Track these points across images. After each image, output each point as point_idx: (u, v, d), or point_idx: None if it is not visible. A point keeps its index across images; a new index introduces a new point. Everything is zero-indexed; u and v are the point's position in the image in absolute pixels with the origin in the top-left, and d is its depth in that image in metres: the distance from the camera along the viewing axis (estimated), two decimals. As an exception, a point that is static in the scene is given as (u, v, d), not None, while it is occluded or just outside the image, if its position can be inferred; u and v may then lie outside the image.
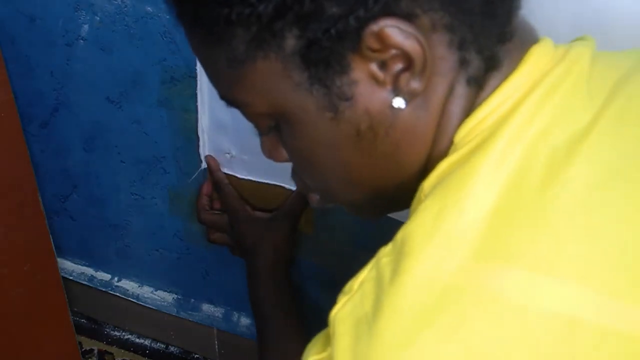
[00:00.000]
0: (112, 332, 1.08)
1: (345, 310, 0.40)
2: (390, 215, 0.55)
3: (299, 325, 0.74)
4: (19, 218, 0.87)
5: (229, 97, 0.47)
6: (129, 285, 1.01)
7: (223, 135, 0.77)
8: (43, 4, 0.78)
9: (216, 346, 1.00)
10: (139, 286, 1.01)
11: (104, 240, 0.98)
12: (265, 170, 0.77)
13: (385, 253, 0.40)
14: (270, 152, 0.52)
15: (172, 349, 1.06)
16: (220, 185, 0.80)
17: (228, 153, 0.79)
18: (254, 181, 0.79)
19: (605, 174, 0.38)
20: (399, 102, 0.42)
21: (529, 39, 0.44)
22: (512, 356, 0.34)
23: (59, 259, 0.96)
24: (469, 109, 0.43)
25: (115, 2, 0.74)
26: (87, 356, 1.07)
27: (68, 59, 0.81)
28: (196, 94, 0.76)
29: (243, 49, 0.42)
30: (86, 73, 0.81)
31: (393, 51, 0.40)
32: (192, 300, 0.98)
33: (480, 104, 0.43)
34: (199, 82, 0.74)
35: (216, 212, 0.83)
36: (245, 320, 0.96)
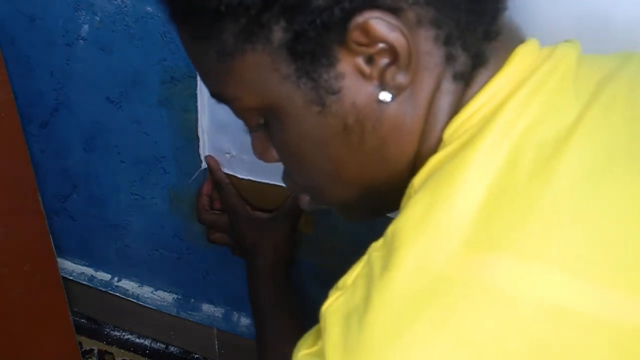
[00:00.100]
0: (112, 332, 1.08)
1: (337, 305, 0.41)
2: (389, 215, 0.55)
3: (298, 325, 0.74)
4: (19, 218, 0.87)
5: (218, 92, 0.47)
6: (129, 285, 1.01)
7: (223, 135, 0.77)
8: (43, 4, 0.78)
9: (216, 346, 1.00)
10: (139, 286, 1.01)
11: (104, 240, 0.98)
12: (265, 170, 0.77)
13: (376, 248, 0.41)
14: (260, 153, 0.52)
15: (172, 349, 1.06)
16: (221, 185, 0.80)
17: (228, 153, 0.79)
18: (254, 181, 0.79)
19: (591, 168, 0.38)
20: (385, 96, 0.43)
21: (516, 39, 0.45)
22: (503, 345, 0.35)
23: (59, 259, 0.96)
24: (456, 106, 0.44)
25: (115, 2, 0.74)
26: (87, 356, 1.07)
27: (68, 59, 0.81)
28: (196, 94, 0.76)
29: (232, 42, 0.43)
30: (86, 73, 0.81)
31: (379, 45, 0.41)
32: (192, 300, 0.98)
33: (468, 100, 0.43)
34: (199, 82, 0.74)
35: (216, 212, 0.83)
36: (245, 320, 0.96)
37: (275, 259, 0.76)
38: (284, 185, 0.77)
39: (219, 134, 0.78)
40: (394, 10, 0.41)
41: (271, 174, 0.77)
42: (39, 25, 0.79)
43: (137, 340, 1.07)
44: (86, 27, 0.77)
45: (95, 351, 1.08)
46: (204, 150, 0.80)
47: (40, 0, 0.78)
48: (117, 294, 1.01)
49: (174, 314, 0.99)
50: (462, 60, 0.43)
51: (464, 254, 0.37)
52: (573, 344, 0.34)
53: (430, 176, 0.41)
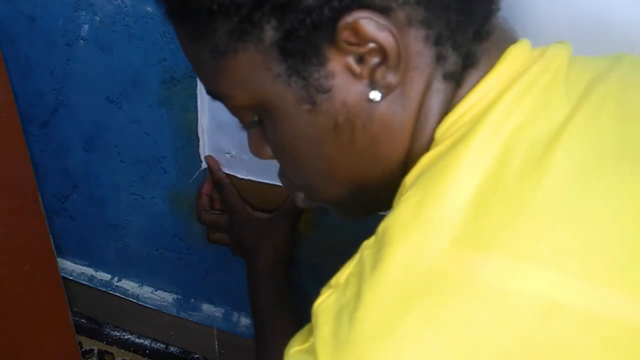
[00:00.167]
0: (112, 332, 1.08)
1: (329, 302, 0.41)
2: (384, 214, 0.55)
3: (298, 325, 0.73)
4: (19, 218, 0.87)
5: (213, 89, 0.48)
6: (129, 285, 1.01)
7: (223, 135, 0.77)
8: (43, 4, 0.78)
9: (216, 346, 1.00)
10: (139, 286, 1.01)
11: (104, 240, 0.98)
12: (265, 170, 0.77)
13: (367, 246, 0.41)
14: (256, 150, 0.53)
15: (172, 349, 1.06)
16: (221, 185, 0.80)
17: (228, 153, 0.79)
18: (254, 181, 0.79)
19: (582, 167, 0.38)
20: (374, 95, 0.43)
21: (508, 39, 0.45)
22: (494, 340, 0.35)
23: (59, 259, 0.96)
24: (447, 105, 0.44)
25: (115, 2, 0.74)
26: (87, 356, 1.07)
27: (68, 59, 0.81)
28: (196, 94, 0.76)
29: (225, 40, 0.43)
30: (86, 73, 0.81)
31: (369, 45, 0.41)
32: (192, 300, 0.98)
33: (459, 100, 0.44)
34: (199, 82, 0.74)
35: (216, 212, 0.83)
36: (245, 320, 0.96)
37: (275, 259, 0.76)
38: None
39: (219, 134, 0.78)
40: (384, 10, 0.41)
41: (271, 174, 0.77)
42: (39, 25, 0.79)
43: (137, 340, 1.07)
44: (86, 27, 0.77)
45: (95, 351, 1.08)
46: (204, 150, 0.80)
47: (40, 0, 0.78)
48: (117, 294, 1.01)
49: (174, 314, 0.99)
50: (453, 60, 0.44)
51: (454, 251, 0.37)
52: (564, 340, 0.35)
53: (421, 174, 0.42)
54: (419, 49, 0.43)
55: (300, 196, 0.54)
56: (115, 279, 1.01)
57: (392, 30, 0.41)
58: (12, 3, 0.79)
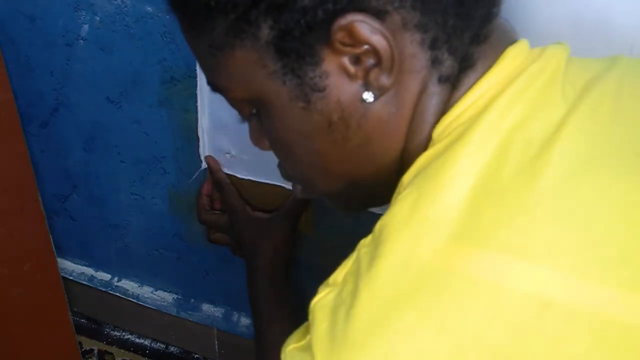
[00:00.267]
0: (112, 332, 1.08)
1: (326, 300, 0.41)
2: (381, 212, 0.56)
3: (298, 325, 0.74)
4: (19, 218, 0.87)
5: (213, 82, 0.49)
6: (129, 285, 1.01)
7: (223, 135, 0.77)
8: (43, 4, 0.78)
9: (216, 346, 1.00)
10: (139, 286, 1.01)
11: (104, 240, 0.98)
12: (265, 170, 0.77)
13: (364, 244, 0.42)
14: (256, 141, 0.54)
15: (172, 349, 1.06)
16: (221, 185, 0.80)
17: (228, 153, 0.79)
18: (254, 181, 0.79)
19: (577, 165, 0.39)
20: (368, 96, 0.44)
21: (507, 40, 0.46)
22: (487, 336, 0.35)
23: (59, 259, 0.96)
24: (443, 107, 0.45)
25: (115, 2, 0.74)
26: (87, 356, 1.07)
27: (68, 59, 0.81)
28: (196, 94, 0.76)
29: (222, 36, 0.44)
30: (86, 73, 0.81)
31: (365, 47, 0.42)
32: (192, 300, 0.98)
33: (456, 100, 0.44)
34: (199, 82, 0.74)
35: (216, 212, 0.83)
36: (245, 320, 0.96)
37: (275, 259, 0.76)
38: (284, 185, 0.78)
39: (219, 134, 0.78)
40: (379, 14, 0.41)
41: (271, 174, 0.77)
42: (39, 25, 0.79)
43: (137, 340, 1.07)
44: (86, 27, 0.77)
45: (95, 351, 1.08)
46: (204, 150, 0.80)
47: (40, 0, 0.78)
48: (117, 294, 1.01)
49: (174, 314, 0.99)
50: (449, 63, 0.44)
51: (450, 247, 0.37)
52: (556, 336, 0.35)
53: (418, 173, 0.42)
54: (414, 52, 0.43)
55: (298, 188, 0.55)
56: (115, 279, 1.01)
57: (385, 34, 0.41)
58: (12, 3, 0.79)
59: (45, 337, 0.97)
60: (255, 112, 0.49)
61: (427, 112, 0.45)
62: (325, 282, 0.43)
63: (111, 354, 1.07)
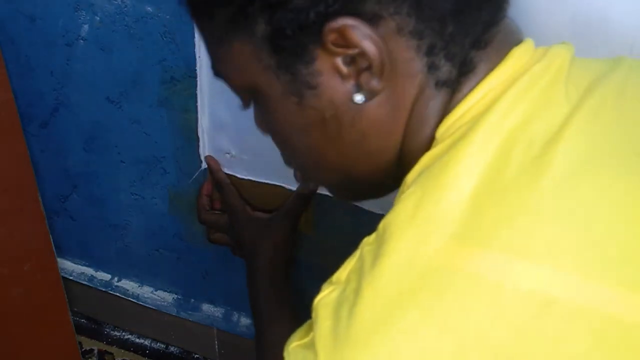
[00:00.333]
0: (112, 332, 1.08)
1: (329, 298, 0.41)
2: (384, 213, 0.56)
3: (298, 325, 0.74)
4: (19, 218, 0.87)
5: (215, 68, 0.51)
6: (129, 285, 1.01)
7: (223, 135, 0.77)
8: (43, 4, 0.78)
9: (216, 346, 1.00)
10: (139, 286, 1.01)
11: (104, 240, 0.98)
12: (265, 170, 0.77)
13: (368, 242, 0.42)
14: (259, 124, 0.55)
15: (172, 349, 1.06)
16: (221, 185, 0.80)
17: (228, 153, 0.79)
18: (254, 181, 0.79)
19: (579, 165, 0.39)
20: (359, 98, 0.44)
21: (512, 41, 0.46)
22: (489, 334, 0.35)
23: (59, 259, 0.96)
24: (446, 107, 0.45)
25: (115, 2, 0.74)
26: (87, 356, 1.07)
27: (68, 59, 0.81)
28: (196, 94, 0.76)
29: (221, 28, 0.46)
30: (86, 73, 0.81)
31: (356, 49, 0.42)
32: (192, 300, 0.99)
33: (459, 102, 0.44)
34: (199, 82, 0.74)
35: (216, 212, 0.83)
36: (245, 320, 0.96)
37: (275, 259, 0.76)
38: (284, 185, 0.78)
39: (219, 134, 0.78)
40: (372, 19, 0.42)
41: (271, 174, 0.77)
42: (39, 25, 0.79)
43: (137, 340, 1.07)
44: (86, 27, 0.77)
45: (95, 351, 1.08)
46: (204, 150, 0.80)
47: (40, 0, 0.78)
48: (117, 294, 1.01)
49: (174, 314, 0.99)
50: (446, 69, 0.44)
51: (453, 247, 0.37)
52: (558, 334, 0.35)
53: (421, 173, 0.42)
54: (410, 57, 0.43)
55: (299, 173, 0.57)
56: (115, 279, 1.01)
57: (375, 39, 0.42)
58: (12, 3, 0.79)
59: (45, 337, 0.97)
60: (254, 100, 0.50)
61: (428, 114, 0.45)
62: (328, 280, 0.43)
63: (111, 354, 1.07)
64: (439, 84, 0.44)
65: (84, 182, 0.93)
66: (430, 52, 0.43)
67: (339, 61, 0.43)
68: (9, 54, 0.82)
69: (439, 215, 0.39)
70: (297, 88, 0.45)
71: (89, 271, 1.02)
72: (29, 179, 0.86)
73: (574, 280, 0.35)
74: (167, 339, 1.05)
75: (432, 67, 0.44)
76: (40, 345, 0.96)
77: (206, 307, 0.98)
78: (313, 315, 0.42)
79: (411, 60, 0.43)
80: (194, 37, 0.71)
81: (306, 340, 0.43)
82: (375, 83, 0.43)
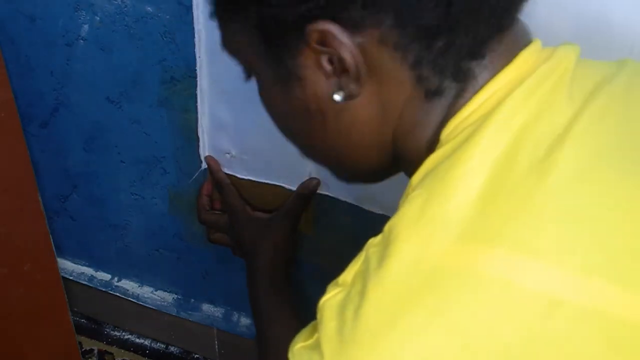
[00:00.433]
0: (112, 332, 1.08)
1: (335, 299, 0.41)
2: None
3: (298, 325, 0.74)
4: (19, 218, 0.87)
5: (222, 42, 0.52)
6: (129, 285, 1.01)
7: (223, 135, 0.77)
8: (43, 4, 0.78)
9: (216, 346, 1.00)
10: (139, 286, 1.01)
11: (104, 240, 0.98)
12: (265, 170, 0.77)
13: (373, 244, 0.42)
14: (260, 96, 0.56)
15: (172, 349, 1.06)
16: (221, 185, 0.80)
17: (228, 153, 0.79)
18: (254, 181, 0.79)
19: (585, 165, 0.39)
20: (337, 97, 0.44)
21: (520, 45, 0.45)
22: (496, 335, 0.35)
23: (59, 259, 0.96)
24: (445, 112, 0.44)
25: (115, 2, 0.74)
26: (87, 356, 1.07)
27: (68, 59, 0.81)
28: (196, 94, 0.76)
29: (221, 10, 0.48)
30: (86, 73, 0.81)
31: (336, 53, 0.42)
32: (192, 300, 0.99)
33: (464, 103, 0.44)
34: (199, 82, 0.74)
35: (216, 212, 0.83)
36: (245, 320, 0.96)
37: (275, 259, 0.76)
38: (284, 185, 0.78)
39: (219, 134, 0.78)
40: (355, 26, 0.41)
41: (271, 174, 0.77)
42: (39, 25, 0.79)
43: (137, 340, 1.07)
44: (86, 27, 0.77)
45: (95, 351, 1.08)
46: (204, 150, 0.80)
47: (40, 0, 0.78)
48: (117, 294, 1.01)
49: (174, 314, 0.99)
50: (435, 80, 0.44)
51: (459, 247, 0.37)
52: (566, 336, 0.35)
53: (427, 174, 0.42)
54: (394, 67, 0.43)
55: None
56: (115, 279, 1.01)
57: (351, 48, 0.42)
58: (12, 3, 0.79)
59: (45, 337, 0.97)
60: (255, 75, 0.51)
61: (423, 117, 0.45)
62: (334, 282, 0.43)
63: (111, 354, 1.07)
64: (429, 94, 0.44)
65: (84, 182, 0.93)
66: (416, 65, 0.43)
67: (323, 59, 0.43)
68: (9, 54, 0.82)
69: (445, 216, 0.39)
70: (284, 77, 0.46)
71: (89, 271, 1.02)
72: (29, 179, 0.86)
73: (580, 280, 0.35)
74: (167, 339, 1.05)
75: (419, 79, 0.44)
76: (40, 345, 0.96)
77: (206, 307, 0.98)
78: (318, 316, 0.42)
79: (396, 70, 0.43)
80: (194, 37, 0.71)
81: (311, 341, 0.43)
82: (352, 86, 0.44)
